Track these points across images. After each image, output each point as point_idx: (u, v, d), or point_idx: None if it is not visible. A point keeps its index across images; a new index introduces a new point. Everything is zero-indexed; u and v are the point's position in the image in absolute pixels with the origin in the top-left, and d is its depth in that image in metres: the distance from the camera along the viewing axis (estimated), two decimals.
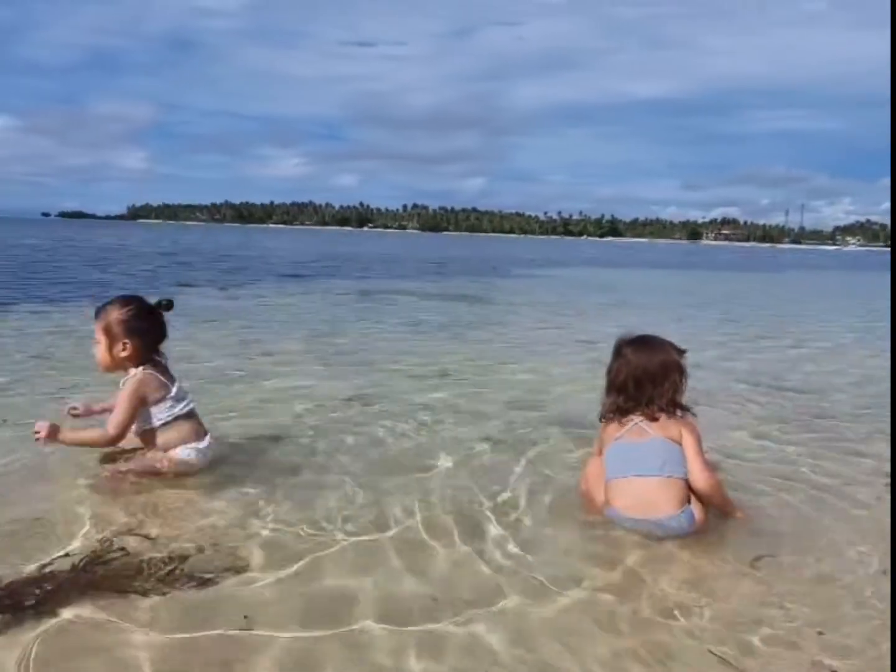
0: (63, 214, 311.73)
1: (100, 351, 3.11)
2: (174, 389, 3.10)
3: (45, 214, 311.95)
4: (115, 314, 3.08)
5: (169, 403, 3.06)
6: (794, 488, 3.29)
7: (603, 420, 3.02)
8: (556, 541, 2.70)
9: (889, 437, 4.11)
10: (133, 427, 3.08)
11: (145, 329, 3.09)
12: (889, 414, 4.69)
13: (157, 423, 3.03)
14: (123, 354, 3.06)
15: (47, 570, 2.23)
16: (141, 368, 3.08)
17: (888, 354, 6.85)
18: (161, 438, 3.05)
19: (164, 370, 3.16)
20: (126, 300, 3.15)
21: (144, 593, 2.13)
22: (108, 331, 3.07)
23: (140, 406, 3.02)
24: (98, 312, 3.15)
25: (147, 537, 2.51)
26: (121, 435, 3.00)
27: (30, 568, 2.25)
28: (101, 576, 2.19)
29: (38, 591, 2.07)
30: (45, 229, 66.48)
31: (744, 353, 7.49)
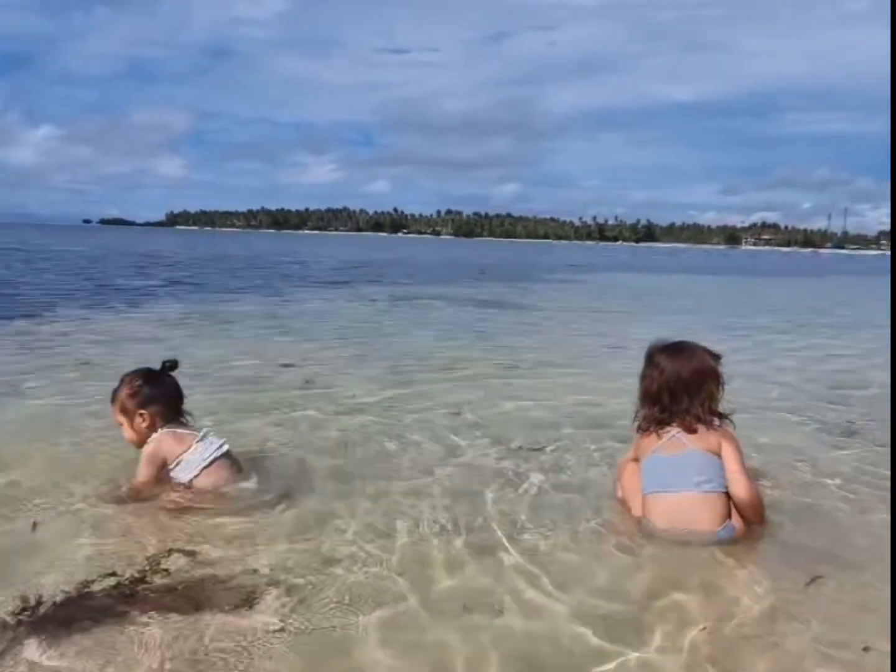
0: (104, 221, 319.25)
1: (125, 431, 3.17)
2: (197, 444, 3.08)
3: (87, 221, 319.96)
4: (125, 391, 3.16)
5: (193, 458, 3.04)
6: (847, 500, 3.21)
7: (639, 431, 2.97)
8: (590, 553, 2.65)
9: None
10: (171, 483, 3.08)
11: (157, 395, 3.13)
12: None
13: (186, 478, 3.02)
14: (145, 426, 3.11)
15: (88, 589, 2.26)
16: (160, 430, 3.11)
17: None
18: (199, 486, 3.02)
19: (187, 427, 3.18)
20: (130, 376, 3.20)
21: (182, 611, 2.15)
22: (124, 410, 3.15)
23: (162, 466, 3.04)
24: (112, 397, 3.22)
25: (188, 557, 2.51)
26: (141, 494, 3.01)
27: (71, 587, 2.27)
28: (143, 595, 2.23)
29: (81, 609, 2.12)
30: (90, 236, 68.11)
31: (804, 362, 7.34)
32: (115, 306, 10.59)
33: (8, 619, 2.07)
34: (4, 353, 6.42)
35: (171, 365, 3.25)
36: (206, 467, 3.02)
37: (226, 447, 3.13)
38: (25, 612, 2.10)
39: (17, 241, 40.82)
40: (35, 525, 2.72)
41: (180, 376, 3.31)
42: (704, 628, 2.13)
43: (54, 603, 2.15)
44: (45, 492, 3.08)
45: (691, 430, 2.79)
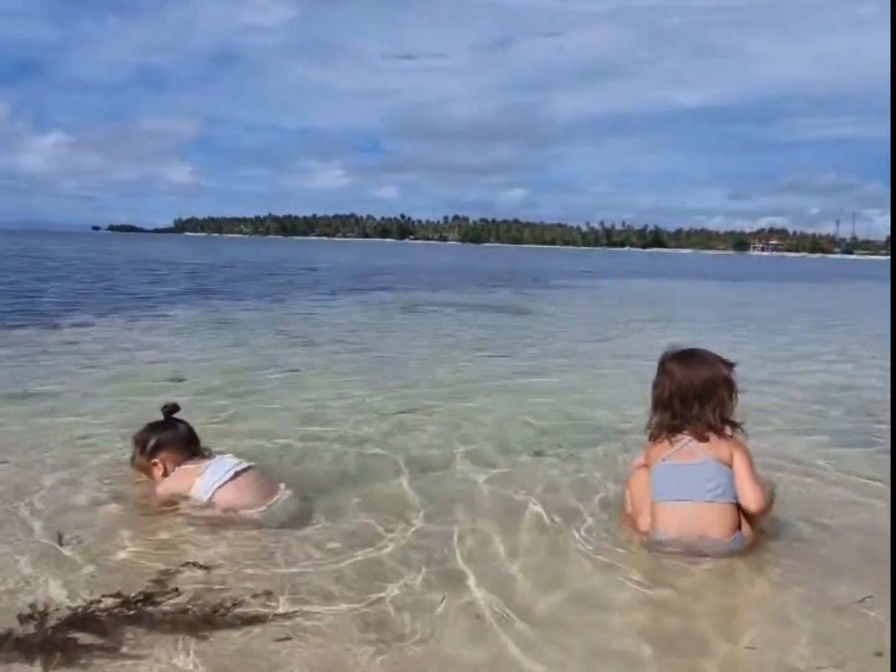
0: (113, 228, 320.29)
1: (152, 484, 3.21)
2: (208, 468, 3.08)
3: (96, 228, 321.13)
4: (136, 451, 3.27)
5: (206, 481, 3.03)
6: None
7: (651, 438, 2.95)
8: (598, 561, 2.64)
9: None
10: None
11: (164, 441, 3.19)
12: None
13: (205, 497, 3.01)
14: (161, 473, 3.16)
15: (96, 606, 2.23)
16: (175, 469, 3.15)
17: None
18: (221, 505, 3.00)
19: (201, 459, 3.18)
20: (136, 435, 3.29)
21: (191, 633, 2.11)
22: (142, 467, 3.25)
23: (175, 498, 3.05)
24: (131, 461, 3.33)
25: (200, 573, 2.50)
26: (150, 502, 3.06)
27: (79, 603, 2.25)
28: (151, 614, 2.19)
29: (90, 627, 2.09)
30: (99, 243, 68.47)
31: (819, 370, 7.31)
32: (150, 313, 10.65)
33: (14, 628, 2.05)
34: (23, 361, 6.46)
35: (170, 409, 3.29)
36: (220, 486, 2.99)
37: (243, 465, 3.11)
38: (33, 621, 2.09)
39: (30, 249, 41.05)
40: (61, 537, 2.71)
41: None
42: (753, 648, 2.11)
43: (59, 618, 2.12)
44: (53, 498, 3.12)
45: (703, 438, 2.78)
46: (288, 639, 2.07)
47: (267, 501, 2.99)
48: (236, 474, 3.04)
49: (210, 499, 2.98)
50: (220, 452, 3.28)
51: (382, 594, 2.35)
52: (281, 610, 2.23)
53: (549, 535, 2.87)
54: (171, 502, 3.03)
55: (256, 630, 2.12)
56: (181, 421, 3.29)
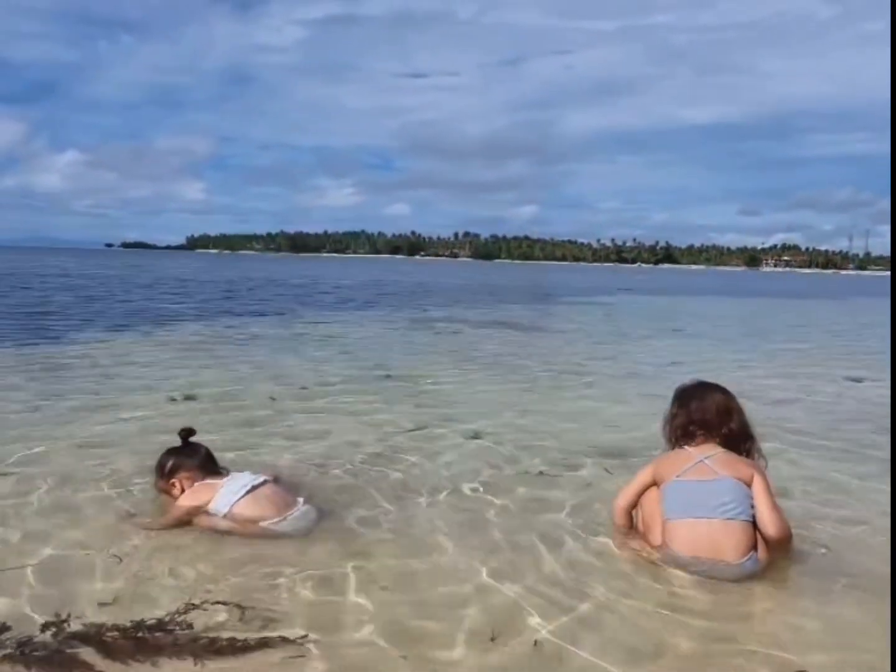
0: (125, 245, 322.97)
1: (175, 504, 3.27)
2: (225, 483, 3.16)
3: (109, 245, 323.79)
4: (157, 477, 3.38)
5: (223, 495, 3.11)
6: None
7: (669, 446, 2.99)
8: (611, 582, 2.63)
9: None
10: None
11: (182, 462, 3.31)
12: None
13: (224, 510, 3.07)
14: (180, 492, 3.24)
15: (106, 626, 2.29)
16: (195, 485, 3.23)
17: None
18: (239, 518, 3.06)
19: (219, 476, 3.27)
20: (157, 462, 3.39)
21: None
22: (164, 490, 3.35)
23: (193, 513, 3.10)
24: (155, 486, 3.42)
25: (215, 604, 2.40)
26: (164, 527, 3.09)
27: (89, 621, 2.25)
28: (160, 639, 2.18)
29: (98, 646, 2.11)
30: (114, 260, 68.99)
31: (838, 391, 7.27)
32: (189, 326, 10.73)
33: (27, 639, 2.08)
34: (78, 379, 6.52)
35: (186, 433, 3.40)
36: (238, 500, 3.07)
37: (260, 479, 3.19)
38: (46, 632, 2.12)
39: (52, 266, 41.43)
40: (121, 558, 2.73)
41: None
42: None
43: (69, 634, 2.14)
44: (69, 508, 3.15)
45: (722, 458, 2.80)
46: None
47: (284, 513, 3.07)
48: (253, 488, 3.13)
49: (228, 512, 3.05)
50: (238, 471, 3.34)
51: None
52: (291, 633, 2.23)
53: (557, 556, 2.86)
54: (190, 522, 3.06)
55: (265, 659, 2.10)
56: (198, 444, 3.40)
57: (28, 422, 4.84)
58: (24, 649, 2.05)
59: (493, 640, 2.21)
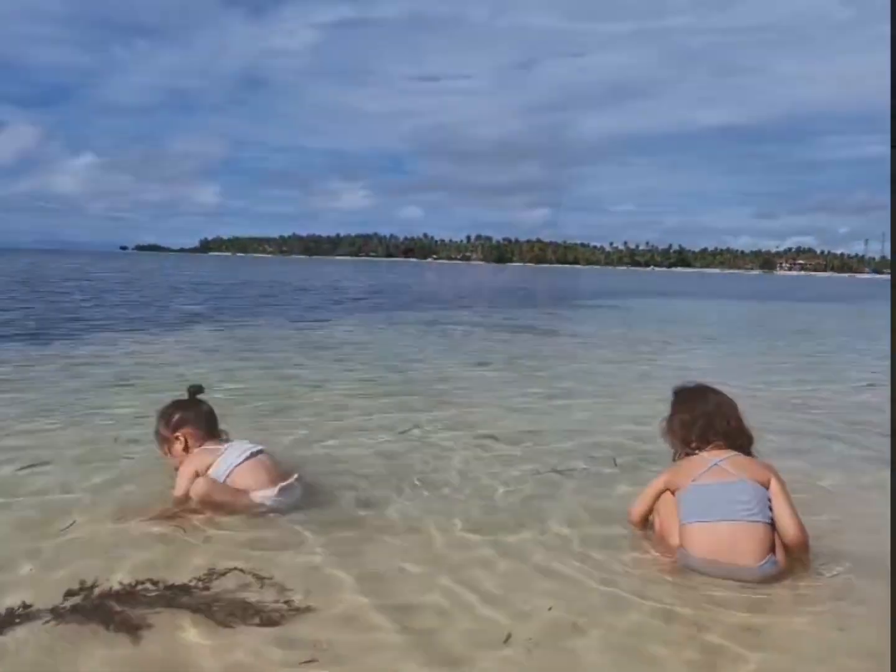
0: (139, 248, 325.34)
1: (169, 458, 3.37)
2: (226, 450, 3.23)
3: (123, 248, 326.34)
4: (160, 424, 3.39)
5: (224, 462, 3.18)
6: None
7: (677, 458, 2.96)
8: (624, 590, 2.60)
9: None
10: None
11: (187, 418, 3.33)
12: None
13: (223, 477, 3.15)
14: (181, 448, 3.30)
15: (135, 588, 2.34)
16: (196, 449, 3.28)
17: None
18: (239, 485, 3.14)
19: (220, 442, 3.32)
20: (161, 409, 3.43)
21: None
22: (163, 439, 3.37)
23: (196, 476, 3.15)
24: (154, 434, 3.44)
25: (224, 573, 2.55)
26: (182, 499, 3.14)
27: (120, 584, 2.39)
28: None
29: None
30: (130, 262, 69.61)
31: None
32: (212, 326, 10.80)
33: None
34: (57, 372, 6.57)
35: (196, 389, 3.45)
36: (236, 467, 3.15)
37: (258, 448, 3.27)
38: (83, 592, 2.32)
39: (71, 270, 41.84)
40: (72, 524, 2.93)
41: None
42: None
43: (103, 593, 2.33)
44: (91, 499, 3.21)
45: (736, 461, 2.77)
46: (313, 660, 2.07)
47: (279, 483, 3.14)
48: (252, 455, 3.21)
49: (226, 479, 3.13)
50: (237, 439, 3.41)
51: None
52: (297, 608, 2.31)
53: (569, 559, 2.83)
54: (201, 502, 3.10)
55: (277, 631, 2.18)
56: (204, 401, 3.44)
57: None
58: (65, 605, 2.26)
59: (505, 641, 2.19)
